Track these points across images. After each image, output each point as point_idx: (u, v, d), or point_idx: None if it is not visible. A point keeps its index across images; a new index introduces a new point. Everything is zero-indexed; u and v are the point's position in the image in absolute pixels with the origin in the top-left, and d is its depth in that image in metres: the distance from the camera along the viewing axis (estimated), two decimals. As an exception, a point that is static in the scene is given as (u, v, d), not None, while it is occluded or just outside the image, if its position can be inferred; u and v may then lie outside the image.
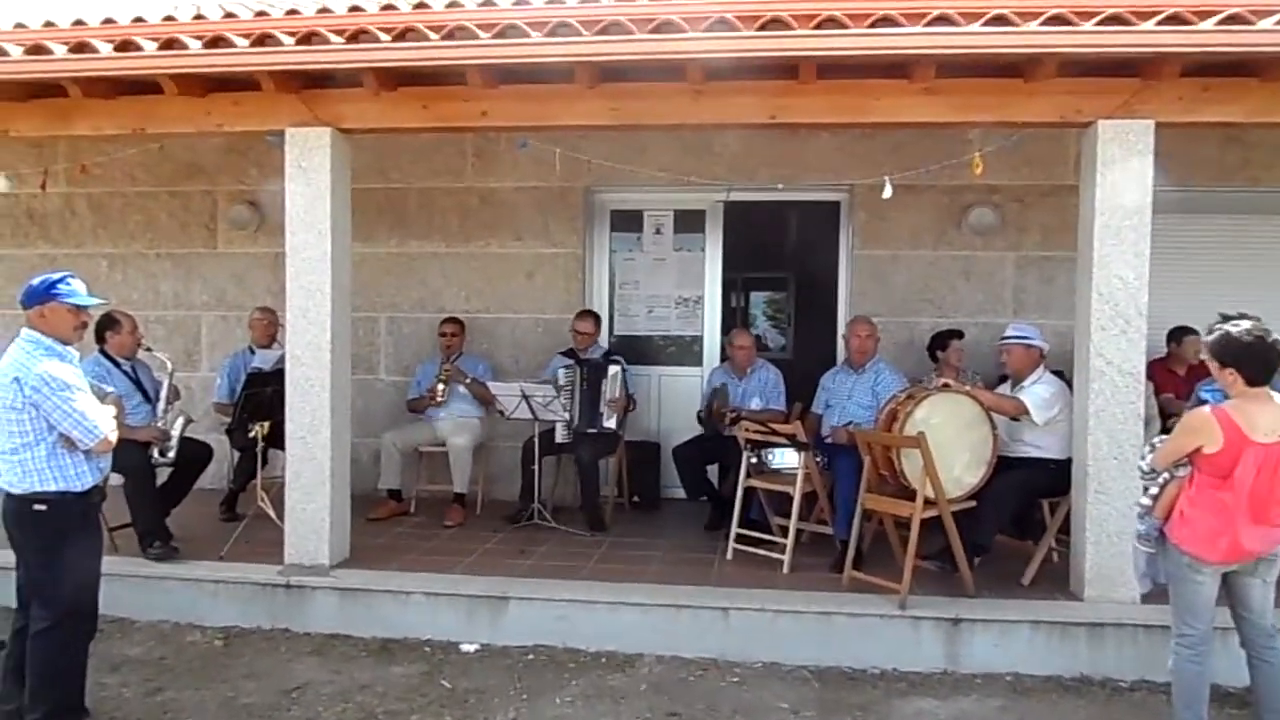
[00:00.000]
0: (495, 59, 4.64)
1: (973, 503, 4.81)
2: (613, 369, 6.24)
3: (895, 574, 4.83)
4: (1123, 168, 4.54)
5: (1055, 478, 4.95)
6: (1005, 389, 5.19)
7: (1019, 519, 5.23)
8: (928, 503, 4.58)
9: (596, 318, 6.63)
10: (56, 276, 3.63)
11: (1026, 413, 4.86)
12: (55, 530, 3.56)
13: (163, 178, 7.30)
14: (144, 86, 5.04)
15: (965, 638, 4.51)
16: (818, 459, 5.37)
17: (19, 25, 5.58)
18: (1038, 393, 4.93)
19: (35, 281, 3.62)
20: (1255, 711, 3.47)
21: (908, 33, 4.33)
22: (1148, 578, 3.44)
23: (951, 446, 4.67)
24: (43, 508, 3.53)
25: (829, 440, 5.61)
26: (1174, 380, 6.12)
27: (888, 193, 5.02)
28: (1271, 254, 6.41)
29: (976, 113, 4.71)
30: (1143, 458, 3.47)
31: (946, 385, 4.75)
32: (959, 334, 6.23)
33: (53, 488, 3.53)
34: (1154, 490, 3.35)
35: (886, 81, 4.68)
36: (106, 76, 4.95)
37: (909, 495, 4.71)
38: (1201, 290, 6.15)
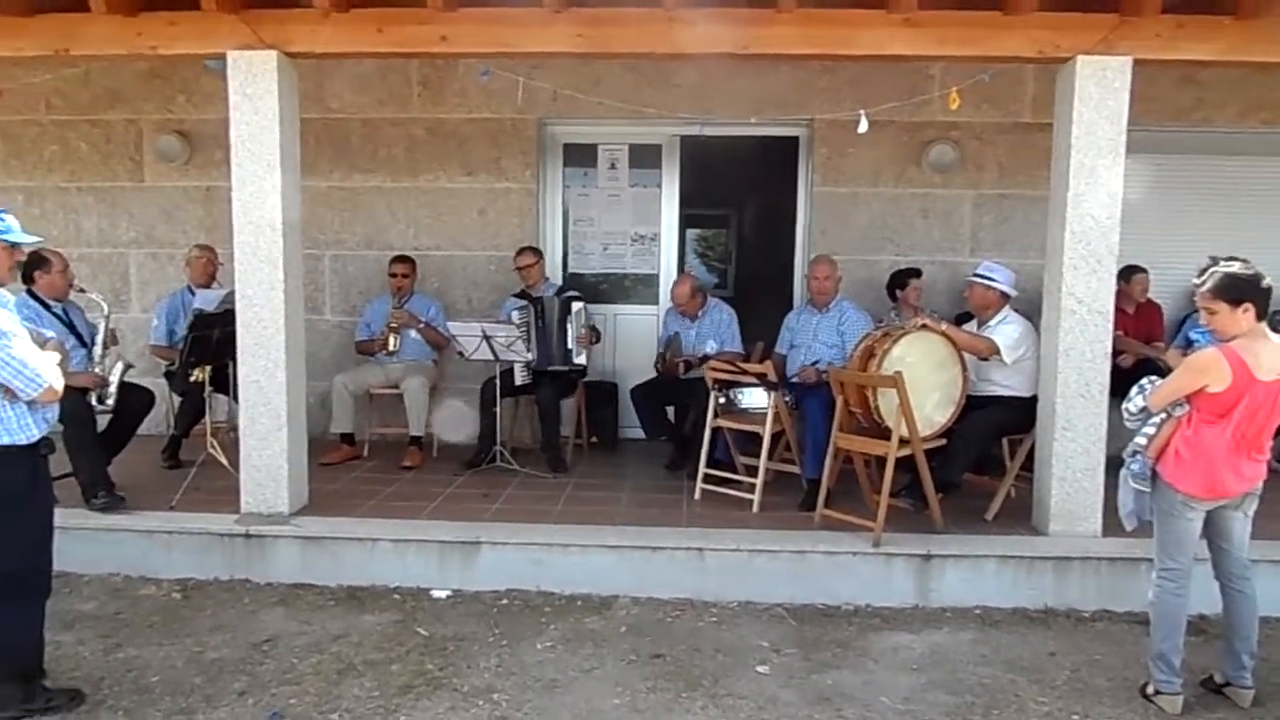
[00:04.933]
0: (458, -23, 4.40)
1: (942, 441, 4.85)
2: (576, 305, 6.10)
3: (862, 511, 4.88)
4: (1099, 105, 4.53)
5: (1021, 415, 5.03)
6: (972, 327, 5.21)
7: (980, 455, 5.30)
8: (901, 441, 4.59)
9: (536, 250, 6.43)
10: (-11, 211, 3.33)
11: (998, 353, 4.89)
12: (2, 486, 3.30)
13: (81, 105, 6.81)
14: (67, 3, 4.65)
15: (936, 573, 4.58)
16: (786, 399, 5.34)
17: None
18: (1008, 333, 4.96)
19: (-36, 216, 3.30)
20: (1225, 639, 3.58)
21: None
22: (1134, 515, 3.49)
23: (924, 385, 4.68)
24: (-13, 462, 3.27)
25: (796, 380, 5.58)
26: (1123, 318, 6.24)
27: (863, 127, 4.93)
28: (1224, 195, 6.53)
29: (955, 46, 4.62)
30: (1129, 399, 3.50)
31: (925, 325, 4.74)
32: (918, 273, 6.25)
33: (-5, 442, 3.27)
34: (1149, 430, 3.39)
35: (865, 12, 4.57)
36: (24, -10, 4.55)
37: (882, 434, 4.73)
38: (1152, 230, 6.28)
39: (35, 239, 3.57)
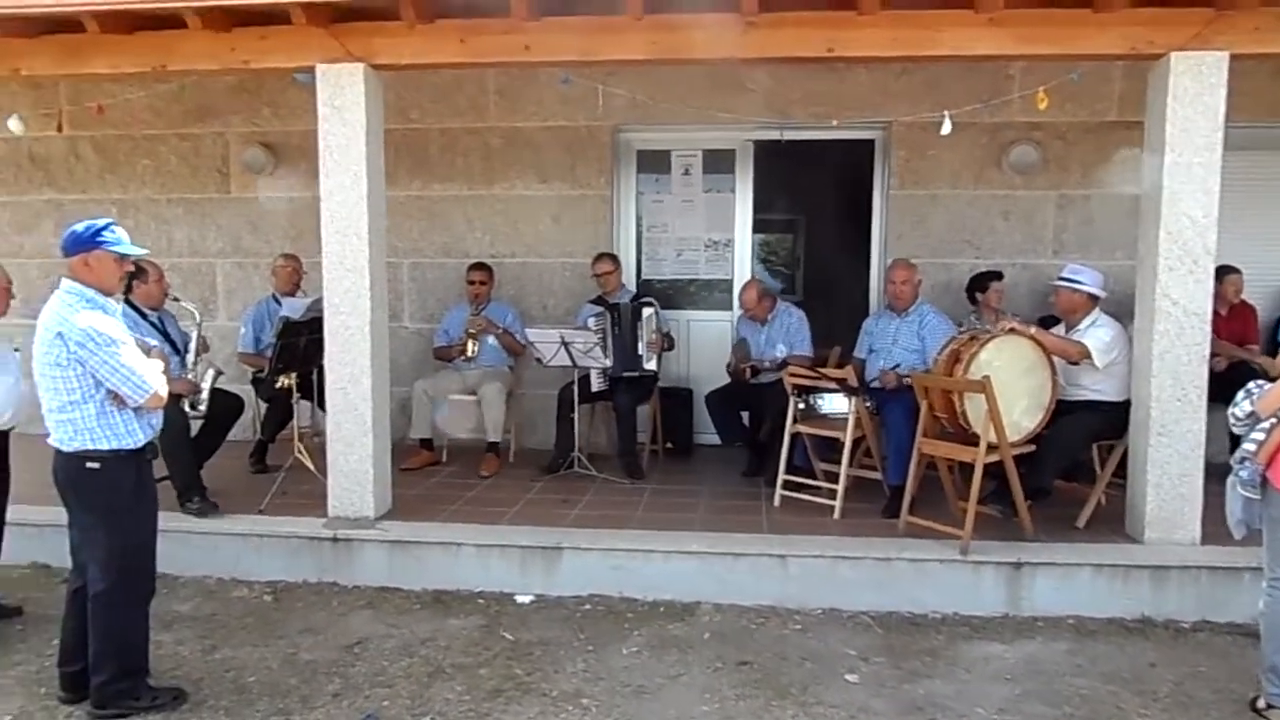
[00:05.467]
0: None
1: (1031, 447, 4.74)
2: (646, 311, 6.10)
3: (947, 518, 4.81)
4: (1194, 102, 4.40)
5: (1112, 420, 4.90)
6: (1059, 331, 5.09)
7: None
8: (989, 447, 4.51)
9: (614, 258, 6.46)
10: (101, 223, 3.44)
11: (1089, 356, 4.77)
12: (109, 490, 3.41)
13: (172, 120, 7.02)
14: (165, 21, 4.80)
15: (1027, 581, 4.49)
16: (867, 404, 5.28)
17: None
18: (1099, 336, 4.83)
19: (79, 228, 3.41)
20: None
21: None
22: (1243, 523, 3.38)
23: (1012, 390, 4.58)
24: (95, 466, 3.38)
25: (876, 385, 5.51)
26: (1216, 319, 6.01)
27: (946, 128, 4.88)
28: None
29: (1042, 45, 4.53)
30: (1236, 403, 3.39)
31: (1013, 329, 4.64)
32: (999, 275, 6.14)
33: (105, 446, 3.38)
34: (1258, 435, 3.28)
35: (950, 11, 4.51)
36: (126, 10, 4.69)
37: (968, 440, 4.65)
38: (1244, 229, 6.05)
39: (143, 251, 3.69)
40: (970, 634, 4.31)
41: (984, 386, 4.40)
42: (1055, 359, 4.76)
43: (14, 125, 5.76)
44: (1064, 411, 4.82)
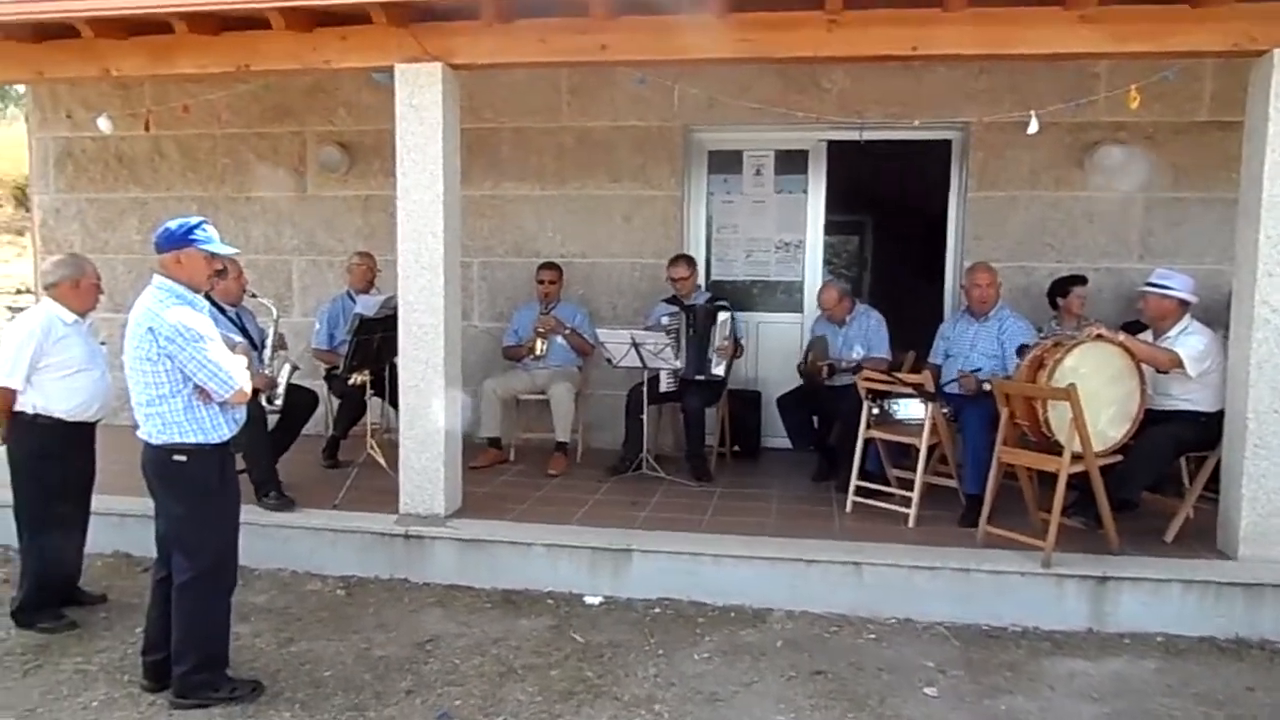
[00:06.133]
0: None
1: (1117, 457, 4.59)
2: (722, 315, 6.03)
3: (1026, 529, 4.68)
4: (1300, 100, 4.22)
5: (1205, 431, 4.72)
6: (1147, 338, 4.91)
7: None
8: (1074, 457, 4.37)
9: (691, 261, 6.38)
10: (194, 221, 3.50)
11: (1180, 365, 4.60)
12: (196, 482, 3.48)
13: (250, 119, 7.14)
14: (250, 22, 4.87)
15: (1112, 596, 4.34)
16: (944, 410, 5.16)
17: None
18: (1192, 344, 4.65)
19: (173, 225, 3.48)
20: None
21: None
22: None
23: (1099, 399, 4.42)
24: (183, 459, 3.44)
25: (955, 390, 5.38)
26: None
27: (1034, 128, 4.76)
28: None
29: (1137, 42, 4.37)
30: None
31: (1100, 336, 4.49)
32: (1082, 279, 5.96)
33: (191, 440, 3.44)
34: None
35: (1040, 9, 4.37)
36: (213, 11, 4.77)
37: (1050, 448, 4.51)
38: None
39: (233, 250, 3.76)
40: (1052, 649, 4.18)
41: (1069, 394, 4.26)
42: (1144, 367, 4.60)
43: (103, 124, 5.92)
44: (1153, 421, 4.65)
